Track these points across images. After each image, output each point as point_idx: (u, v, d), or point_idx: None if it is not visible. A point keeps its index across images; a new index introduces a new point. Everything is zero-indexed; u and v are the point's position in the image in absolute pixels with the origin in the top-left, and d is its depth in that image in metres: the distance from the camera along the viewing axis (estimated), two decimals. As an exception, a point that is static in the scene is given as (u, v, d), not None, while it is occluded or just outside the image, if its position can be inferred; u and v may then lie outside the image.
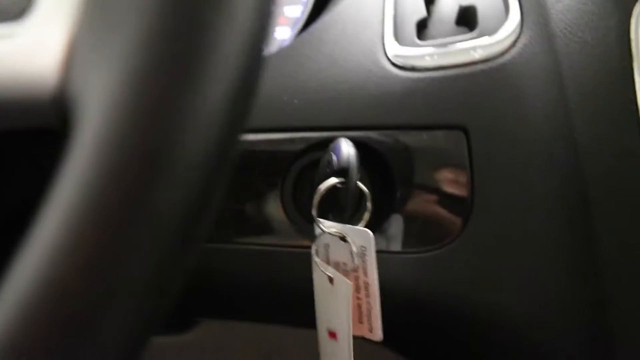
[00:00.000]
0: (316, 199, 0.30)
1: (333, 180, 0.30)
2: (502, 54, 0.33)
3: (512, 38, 0.33)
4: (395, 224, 0.34)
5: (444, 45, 0.35)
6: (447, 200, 0.33)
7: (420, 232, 0.33)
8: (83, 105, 0.17)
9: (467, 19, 0.37)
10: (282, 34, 0.50)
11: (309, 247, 0.32)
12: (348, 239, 0.30)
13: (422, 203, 0.34)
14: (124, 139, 0.15)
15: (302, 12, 0.48)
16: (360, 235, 0.30)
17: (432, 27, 0.38)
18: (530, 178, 0.32)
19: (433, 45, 0.35)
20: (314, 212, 0.31)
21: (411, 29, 0.37)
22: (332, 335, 0.30)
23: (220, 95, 0.16)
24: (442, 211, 0.33)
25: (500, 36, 0.34)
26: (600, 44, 0.31)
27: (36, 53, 0.18)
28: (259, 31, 0.17)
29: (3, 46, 0.19)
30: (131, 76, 0.15)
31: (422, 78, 0.34)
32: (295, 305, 0.36)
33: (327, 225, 0.30)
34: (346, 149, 0.30)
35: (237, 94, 0.17)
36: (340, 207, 0.31)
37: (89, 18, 0.18)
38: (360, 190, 0.31)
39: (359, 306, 0.30)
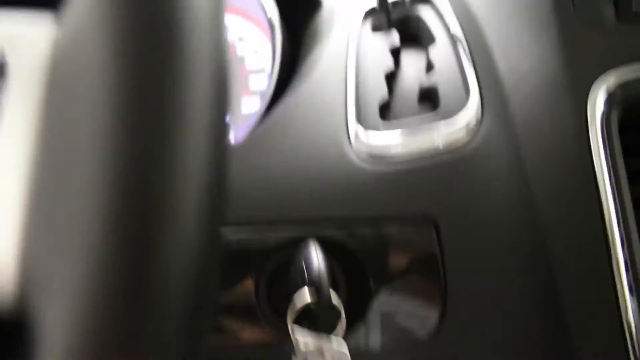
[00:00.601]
0: (290, 316, 0.30)
1: (306, 298, 0.30)
2: (465, 143, 0.33)
3: (474, 128, 0.33)
4: (372, 322, 0.33)
5: (408, 131, 0.35)
6: (421, 294, 0.33)
7: (397, 329, 0.33)
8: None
9: (428, 99, 0.37)
10: (249, 106, 0.50)
11: (287, 351, 0.32)
12: (325, 353, 0.30)
13: (397, 298, 0.33)
14: None
15: (269, 84, 0.48)
16: (336, 347, 0.30)
17: (395, 106, 0.38)
18: (500, 265, 0.32)
19: (396, 129, 0.35)
20: (290, 330, 0.30)
21: (374, 110, 0.37)
22: None
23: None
24: (418, 306, 0.33)
25: (461, 123, 0.33)
26: (559, 133, 0.31)
27: None
28: (218, 132, 0.17)
29: None
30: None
31: (388, 169, 0.34)
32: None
33: (303, 340, 0.30)
34: (316, 260, 0.30)
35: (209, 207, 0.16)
36: (314, 319, 0.30)
37: (38, 222, 0.18)
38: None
39: None
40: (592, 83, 0.30)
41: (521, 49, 0.33)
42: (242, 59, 0.51)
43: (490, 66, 0.34)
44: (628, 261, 0.29)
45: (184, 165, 0.15)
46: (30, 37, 0.18)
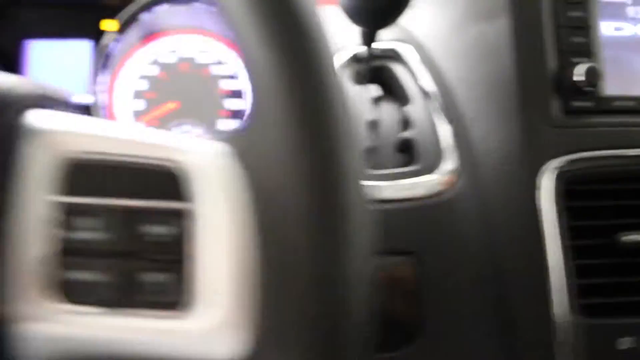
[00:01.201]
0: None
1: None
2: (442, 192, 0.41)
3: (452, 182, 0.41)
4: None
5: (392, 179, 0.42)
6: (400, 316, 0.42)
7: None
8: None
9: (407, 149, 0.44)
10: (227, 125, 0.53)
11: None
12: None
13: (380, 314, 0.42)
14: None
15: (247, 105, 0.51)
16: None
17: (377, 153, 0.45)
18: (465, 291, 0.41)
19: (382, 178, 0.42)
20: None
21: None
22: None
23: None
24: (396, 325, 0.42)
25: (441, 176, 0.41)
26: (515, 198, 0.40)
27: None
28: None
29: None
30: None
31: (378, 209, 0.41)
32: None
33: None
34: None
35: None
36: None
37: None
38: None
39: None
40: (542, 165, 0.39)
41: (489, 127, 0.41)
42: (218, 80, 0.54)
43: (464, 132, 0.42)
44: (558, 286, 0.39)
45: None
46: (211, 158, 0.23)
